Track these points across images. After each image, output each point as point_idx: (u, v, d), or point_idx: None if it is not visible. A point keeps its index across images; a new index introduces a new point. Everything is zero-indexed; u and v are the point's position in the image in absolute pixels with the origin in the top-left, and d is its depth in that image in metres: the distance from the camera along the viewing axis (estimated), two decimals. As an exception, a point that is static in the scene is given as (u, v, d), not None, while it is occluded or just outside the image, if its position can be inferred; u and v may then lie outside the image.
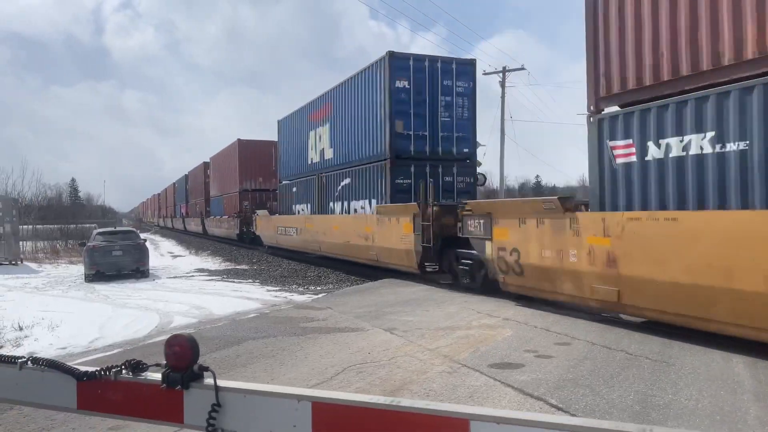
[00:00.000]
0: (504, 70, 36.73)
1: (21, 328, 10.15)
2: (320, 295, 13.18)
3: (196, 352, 1.92)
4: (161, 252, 33.90)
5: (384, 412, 1.64)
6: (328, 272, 18.63)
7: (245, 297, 13.56)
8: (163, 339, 8.81)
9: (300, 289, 15.16)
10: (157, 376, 1.96)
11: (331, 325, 8.91)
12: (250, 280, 17.57)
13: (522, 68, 37.97)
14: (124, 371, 1.99)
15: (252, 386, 1.87)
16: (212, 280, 18.29)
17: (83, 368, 2.05)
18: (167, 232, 65.93)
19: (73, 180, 76.66)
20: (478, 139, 16.53)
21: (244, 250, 30.25)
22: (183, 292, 15.02)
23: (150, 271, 20.08)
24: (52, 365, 2.07)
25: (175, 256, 30.62)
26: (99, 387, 2.00)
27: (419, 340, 7.59)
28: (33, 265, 25.30)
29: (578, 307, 9.06)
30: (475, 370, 6.09)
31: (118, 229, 23.18)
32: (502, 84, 36.66)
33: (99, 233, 20.23)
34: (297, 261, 22.77)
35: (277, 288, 15.41)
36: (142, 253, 19.62)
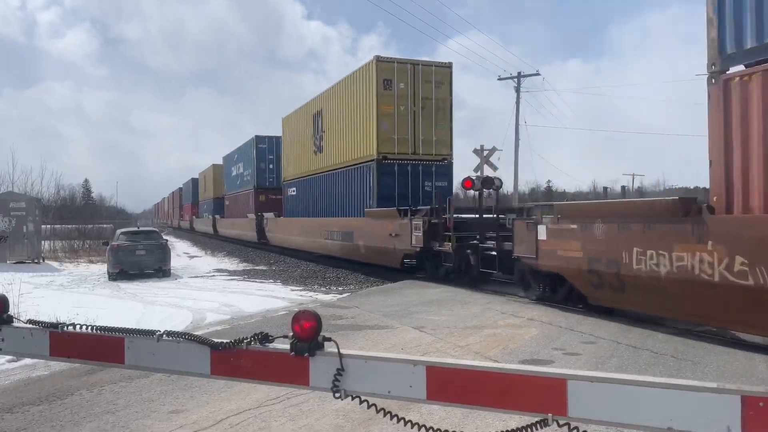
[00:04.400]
0: (519, 76, 37.01)
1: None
2: (344, 295, 13.51)
3: (320, 324, 2.24)
4: (177, 252, 34.34)
5: (491, 374, 1.95)
6: (346, 273, 18.95)
7: (271, 296, 13.90)
8: (203, 333, 9.10)
9: (323, 289, 15.49)
10: (283, 345, 2.28)
11: (361, 322, 9.23)
12: (271, 280, 17.92)
13: (537, 74, 38.29)
14: (253, 342, 2.32)
15: (371, 353, 2.19)
16: (234, 279, 18.66)
17: (216, 340, 2.38)
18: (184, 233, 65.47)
19: (86, 181, 77.57)
20: (495, 144, 18.13)
21: (260, 251, 30.64)
22: (208, 290, 15.38)
23: (171, 271, 20.48)
24: (189, 337, 2.40)
25: (192, 257, 31.06)
26: (231, 356, 2.33)
27: (449, 338, 7.89)
28: (54, 264, 25.74)
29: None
30: (507, 365, 6.38)
31: (141, 229, 23.63)
32: (517, 89, 36.95)
33: (122, 233, 20.66)
34: (315, 263, 23.12)
35: (301, 288, 15.75)
36: (164, 252, 20.02)
